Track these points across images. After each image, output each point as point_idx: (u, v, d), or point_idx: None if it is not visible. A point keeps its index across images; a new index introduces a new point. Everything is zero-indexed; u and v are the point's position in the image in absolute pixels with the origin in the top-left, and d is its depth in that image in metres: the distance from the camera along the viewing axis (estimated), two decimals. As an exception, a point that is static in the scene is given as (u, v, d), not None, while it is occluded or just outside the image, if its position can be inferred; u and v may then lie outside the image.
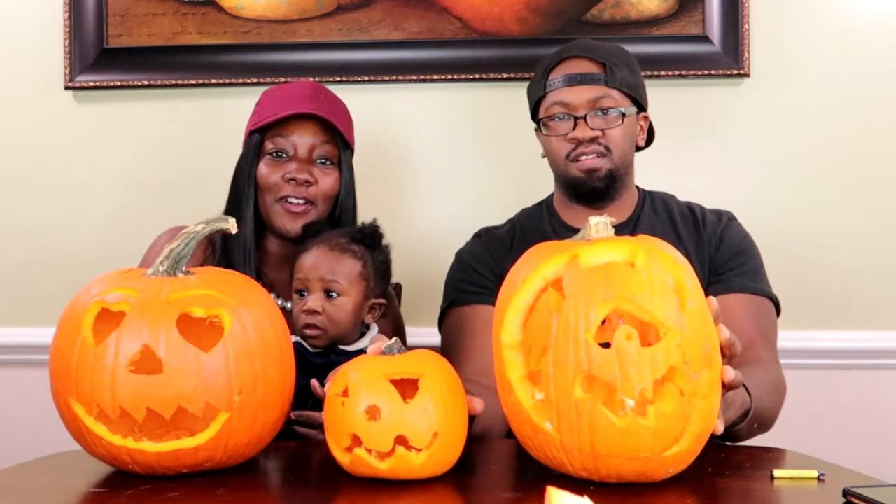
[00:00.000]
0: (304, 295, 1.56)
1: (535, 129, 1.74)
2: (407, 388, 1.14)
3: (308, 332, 1.54)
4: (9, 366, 2.19)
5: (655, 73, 2.09)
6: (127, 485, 1.16)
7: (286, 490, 1.18)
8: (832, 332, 2.08)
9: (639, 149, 1.74)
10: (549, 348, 1.09)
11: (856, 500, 1.01)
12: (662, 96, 2.10)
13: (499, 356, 1.14)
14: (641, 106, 1.70)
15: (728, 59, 2.09)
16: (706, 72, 2.09)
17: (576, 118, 1.63)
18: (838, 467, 1.19)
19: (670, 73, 2.10)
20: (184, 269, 1.24)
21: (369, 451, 1.11)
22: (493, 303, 1.64)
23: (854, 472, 1.18)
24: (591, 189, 1.66)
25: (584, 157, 1.64)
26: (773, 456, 1.28)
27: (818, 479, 1.13)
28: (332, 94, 1.74)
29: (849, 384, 2.09)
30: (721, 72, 2.09)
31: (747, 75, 2.09)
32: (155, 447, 1.14)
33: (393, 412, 1.11)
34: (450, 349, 1.67)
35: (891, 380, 2.09)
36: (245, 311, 1.19)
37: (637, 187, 1.77)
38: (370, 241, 1.61)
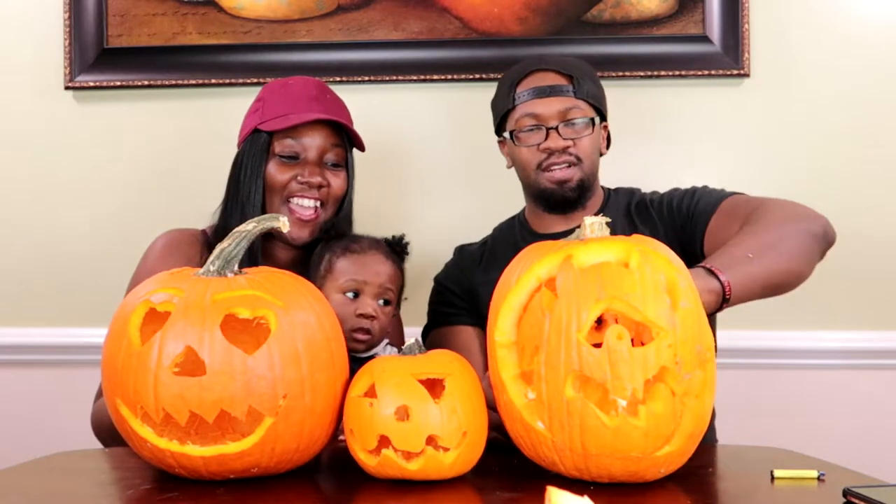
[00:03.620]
0: (355, 298, 1.53)
1: (499, 142, 1.78)
2: (427, 388, 1.13)
3: (359, 336, 1.51)
4: (9, 366, 2.19)
5: (655, 73, 2.09)
6: (126, 485, 1.16)
7: (287, 491, 1.18)
8: (832, 332, 2.08)
9: (601, 155, 1.76)
10: (541, 348, 1.09)
11: (856, 500, 1.01)
12: (662, 96, 2.10)
13: (492, 355, 1.15)
14: (603, 116, 1.73)
15: (728, 59, 2.08)
16: (706, 72, 2.09)
17: (547, 129, 1.66)
18: (838, 467, 1.19)
19: (670, 73, 2.10)
20: (235, 268, 1.22)
21: (397, 451, 1.11)
22: (470, 322, 1.70)
23: (854, 472, 1.18)
24: (562, 199, 1.69)
25: (555, 168, 1.67)
26: (773, 456, 1.28)
27: (818, 479, 1.13)
28: (334, 92, 1.74)
29: (849, 384, 2.08)
30: (721, 72, 2.08)
31: (747, 75, 2.09)
32: (199, 451, 1.13)
33: (423, 412, 1.11)
34: None
35: (891, 380, 2.09)
36: (293, 313, 1.16)
37: (602, 188, 1.79)
38: (402, 255, 1.62)
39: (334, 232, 1.64)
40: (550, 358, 1.08)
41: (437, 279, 1.83)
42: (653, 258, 1.12)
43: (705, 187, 1.71)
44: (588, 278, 1.09)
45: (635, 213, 1.72)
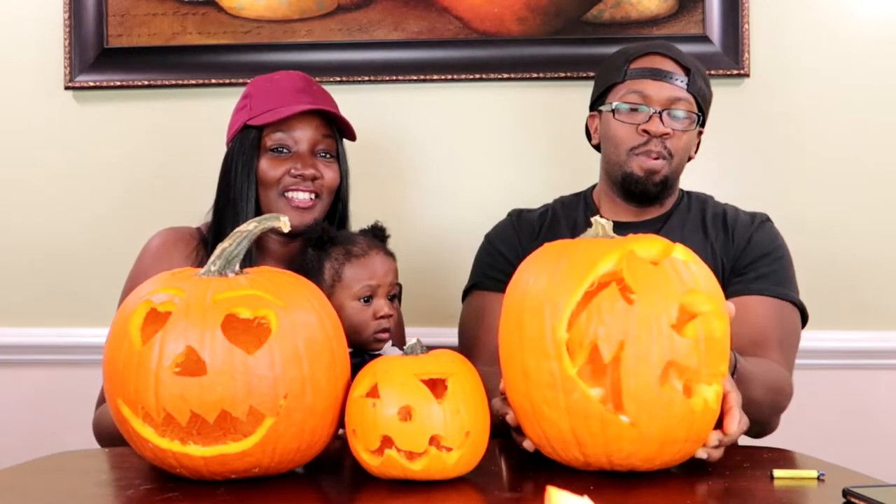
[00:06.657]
0: (368, 302, 1.52)
1: (590, 116, 1.75)
2: (429, 388, 1.13)
3: (382, 336, 1.52)
4: (8, 366, 2.19)
5: (655, 73, 2.09)
6: (126, 485, 1.17)
7: (288, 492, 1.18)
8: (832, 332, 2.08)
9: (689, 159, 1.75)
10: (627, 341, 1.10)
11: (856, 500, 1.01)
12: (662, 96, 2.10)
13: (559, 353, 1.12)
14: (703, 120, 1.72)
15: (728, 59, 2.08)
16: (706, 72, 2.09)
17: (651, 112, 1.63)
18: (838, 467, 1.19)
19: (670, 73, 2.09)
20: (236, 268, 1.22)
21: (400, 451, 1.11)
22: None
23: (854, 472, 1.18)
24: (643, 190, 1.66)
25: (647, 156, 1.64)
26: (773, 456, 1.28)
27: (818, 479, 1.13)
28: (319, 84, 1.74)
29: (849, 384, 2.09)
30: (721, 72, 2.08)
31: (747, 75, 2.09)
32: (200, 451, 1.13)
33: (426, 412, 1.11)
34: (466, 334, 1.72)
35: (891, 380, 2.09)
36: (294, 312, 1.16)
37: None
38: (386, 240, 1.61)
39: (319, 231, 1.61)
40: (641, 350, 1.10)
41: (489, 236, 1.78)
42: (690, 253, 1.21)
43: (787, 265, 1.68)
44: (661, 272, 1.14)
45: (711, 221, 1.71)
